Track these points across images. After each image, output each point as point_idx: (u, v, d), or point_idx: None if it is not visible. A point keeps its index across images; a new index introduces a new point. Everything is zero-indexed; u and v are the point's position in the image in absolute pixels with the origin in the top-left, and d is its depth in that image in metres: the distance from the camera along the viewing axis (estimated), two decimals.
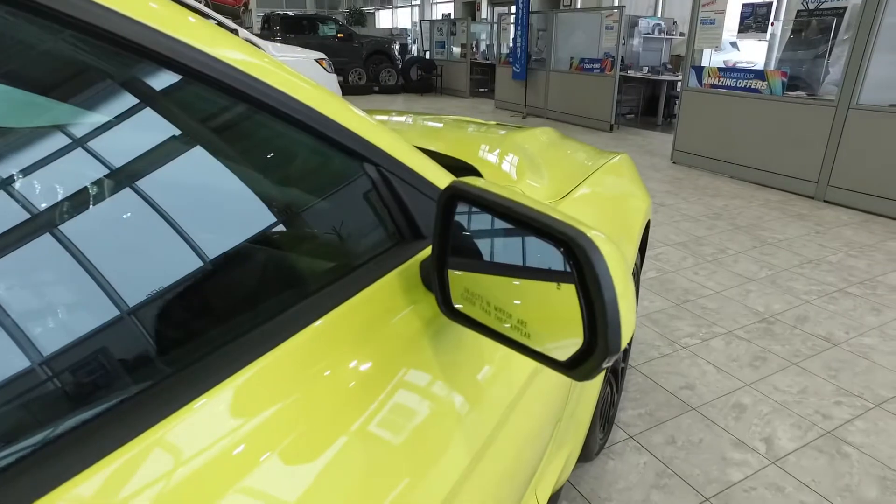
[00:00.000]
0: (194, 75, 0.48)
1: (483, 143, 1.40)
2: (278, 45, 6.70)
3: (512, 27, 9.00)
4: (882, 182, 4.13)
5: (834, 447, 1.79)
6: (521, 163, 1.27)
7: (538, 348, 0.53)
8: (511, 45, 9.09)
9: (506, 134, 1.51)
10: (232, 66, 0.51)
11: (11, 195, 0.38)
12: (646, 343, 2.41)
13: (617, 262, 0.49)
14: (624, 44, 8.01)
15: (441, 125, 1.65)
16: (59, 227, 0.40)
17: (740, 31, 5.34)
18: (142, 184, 0.45)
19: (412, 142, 0.89)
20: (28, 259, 0.38)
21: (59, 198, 0.40)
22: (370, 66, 12.02)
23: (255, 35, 7.50)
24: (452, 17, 15.64)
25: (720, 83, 5.30)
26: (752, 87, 5.00)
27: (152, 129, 0.47)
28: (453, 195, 0.56)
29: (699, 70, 5.49)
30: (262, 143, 0.58)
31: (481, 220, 0.57)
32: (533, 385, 0.77)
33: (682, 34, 9.12)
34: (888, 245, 3.59)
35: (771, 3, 5.06)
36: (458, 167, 1.17)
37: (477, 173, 1.17)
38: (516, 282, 0.56)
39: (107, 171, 0.43)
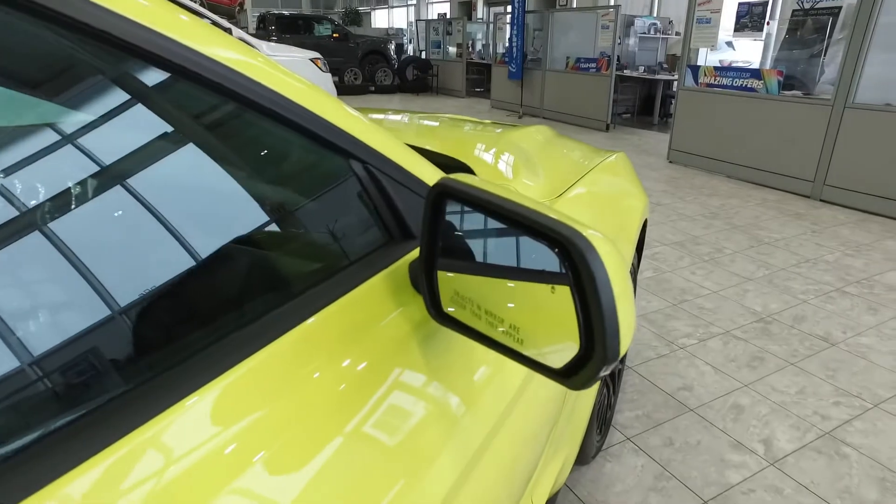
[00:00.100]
0: (178, 71, 0.47)
1: (478, 142, 1.38)
2: (272, 44, 6.66)
3: (508, 27, 8.99)
4: (878, 181, 4.14)
5: (833, 448, 1.77)
6: (517, 161, 1.25)
7: (531, 355, 0.50)
8: (507, 44, 9.08)
9: (501, 132, 1.49)
10: (216, 60, 0.49)
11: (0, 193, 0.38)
12: (643, 343, 2.39)
13: (615, 264, 0.46)
14: (620, 43, 8.01)
15: (435, 123, 1.63)
16: (46, 225, 0.39)
17: (736, 29, 5.33)
18: (126, 182, 0.44)
19: (406, 140, 0.87)
20: (14, 258, 0.38)
21: (47, 196, 0.40)
22: (366, 65, 11.99)
23: (251, 35, 7.46)
24: (448, 16, 15.63)
25: (716, 82, 5.29)
26: (749, 86, 5.00)
27: (134, 126, 0.46)
28: (442, 192, 0.54)
29: (695, 69, 5.48)
30: (245, 139, 0.56)
31: (473, 220, 0.55)
32: (529, 388, 0.75)
33: (678, 33, 9.12)
34: (885, 244, 3.59)
35: (767, 2, 5.06)
36: (452, 166, 1.15)
37: (471, 172, 1.15)
38: (509, 284, 0.53)
39: (91, 170, 0.43)
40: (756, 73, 4.97)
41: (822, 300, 2.79)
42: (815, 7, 4.83)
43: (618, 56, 7.65)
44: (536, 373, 0.51)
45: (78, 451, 0.36)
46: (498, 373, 0.69)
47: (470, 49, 12.33)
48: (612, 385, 1.75)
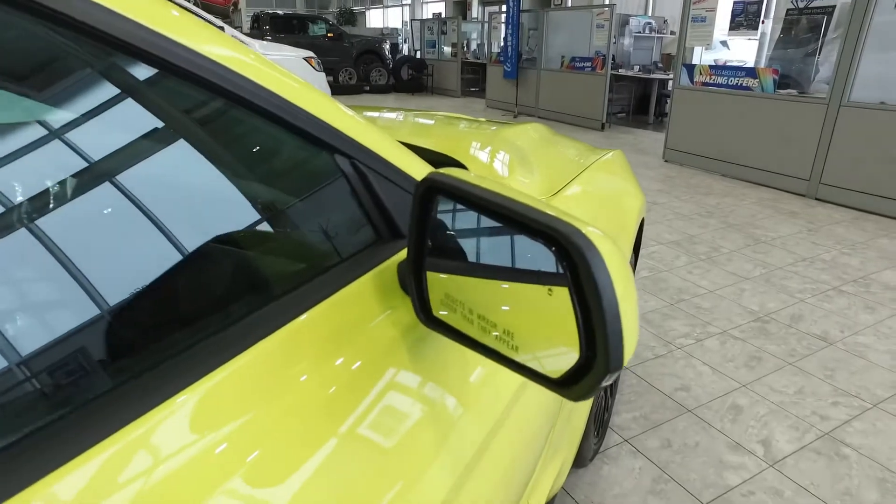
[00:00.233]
0: (166, 67, 0.46)
1: (472, 140, 1.35)
2: (266, 43, 6.61)
3: (503, 26, 8.97)
4: (873, 179, 4.13)
5: (832, 449, 1.75)
6: (512, 159, 1.22)
7: (527, 363, 0.47)
8: (502, 44, 9.06)
9: (496, 130, 1.46)
10: (204, 56, 0.48)
11: None
12: (640, 343, 2.36)
13: (617, 263, 0.43)
14: (615, 42, 7.99)
15: (430, 121, 1.60)
16: (32, 223, 0.39)
17: (731, 28, 5.33)
18: (114, 179, 0.43)
19: (400, 138, 0.84)
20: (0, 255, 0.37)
21: (34, 193, 0.39)
22: (361, 65, 11.96)
23: (245, 34, 7.41)
24: (443, 16, 15.60)
25: (712, 81, 5.28)
26: (744, 84, 4.99)
27: (121, 124, 0.45)
28: (431, 188, 0.50)
29: (690, 68, 5.47)
30: (231, 136, 0.54)
31: (464, 217, 0.52)
32: (526, 391, 0.73)
33: (672, 33, 9.13)
34: (880, 242, 3.58)
35: (761, 1, 5.06)
36: (446, 164, 1.12)
37: (464, 168, 1.12)
38: (503, 286, 0.50)
39: (78, 167, 0.42)
40: (751, 72, 4.96)
41: (819, 299, 2.78)
42: (810, 6, 4.84)
43: (613, 55, 7.63)
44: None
45: (62, 451, 0.35)
46: (494, 375, 0.67)
47: (465, 49, 12.30)
48: (609, 387, 1.72)
